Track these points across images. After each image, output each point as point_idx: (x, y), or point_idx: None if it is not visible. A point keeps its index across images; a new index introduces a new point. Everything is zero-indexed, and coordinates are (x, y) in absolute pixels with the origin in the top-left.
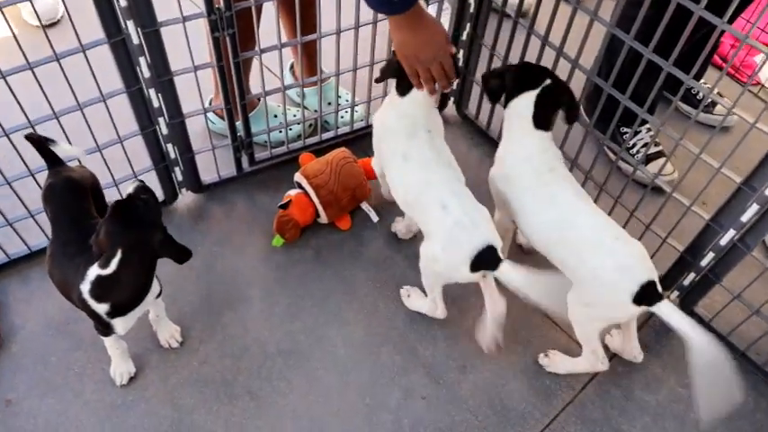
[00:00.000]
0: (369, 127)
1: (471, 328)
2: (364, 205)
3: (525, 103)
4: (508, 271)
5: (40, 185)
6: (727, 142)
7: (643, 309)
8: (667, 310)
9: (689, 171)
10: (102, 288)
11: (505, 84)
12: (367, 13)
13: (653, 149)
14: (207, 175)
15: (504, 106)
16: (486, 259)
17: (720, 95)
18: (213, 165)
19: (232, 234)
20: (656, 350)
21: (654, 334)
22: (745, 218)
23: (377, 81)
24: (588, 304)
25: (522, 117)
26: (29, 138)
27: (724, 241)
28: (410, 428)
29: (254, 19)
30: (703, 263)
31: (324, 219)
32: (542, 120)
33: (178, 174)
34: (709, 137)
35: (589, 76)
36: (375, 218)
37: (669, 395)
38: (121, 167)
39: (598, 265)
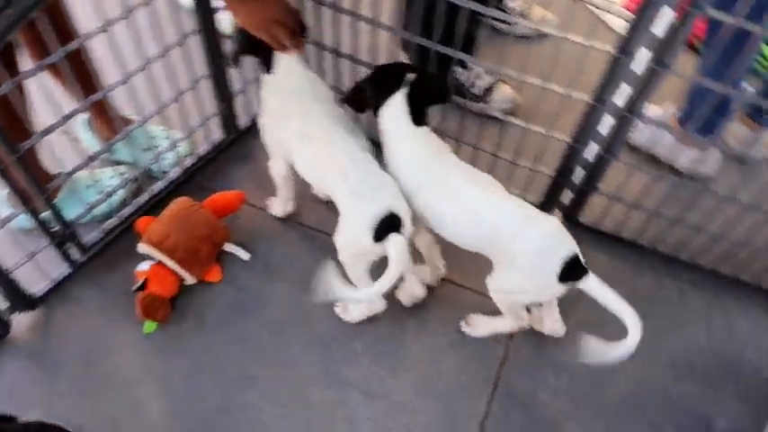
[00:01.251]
0: (200, 161)
1: (386, 328)
2: (228, 247)
3: (396, 106)
4: (402, 245)
5: None
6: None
7: (569, 285)
8: (595, 284)
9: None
10: None
11: (368, 96)
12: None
13: (489, 80)
14: (36, 285)
15: (376, 116)
16: (388, 226)
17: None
18: (38, 272)
19: (94, 338)
20: None
21: None
22: (603, 130)
23: (234, 63)
24: (512, 292)
25: (399, 121)
26: None
27: (590, 155)
28: None
29: (20, 105)
30: (576, 180)
31: (190, 280)
32: (421, 116)
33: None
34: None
35: (397, 35)
36: (245, 255)
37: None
38: None
39: (516, 252)
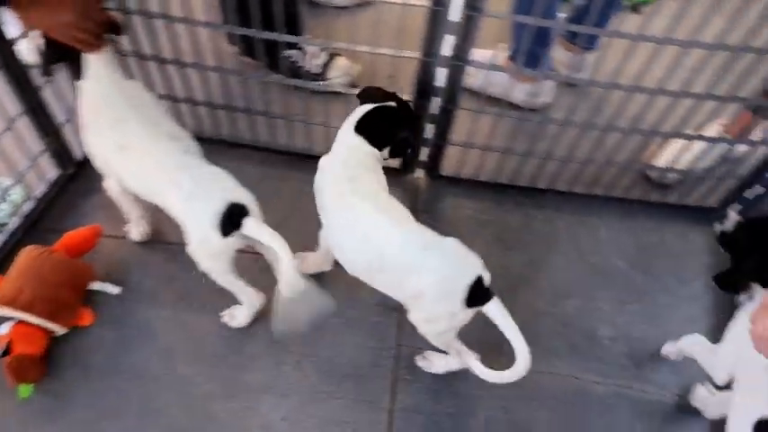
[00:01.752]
0: (41, 203)
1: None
2: (95, 285)
3: (359, 110)
4: (255, 226)
5: None
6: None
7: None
8: (495, 310)
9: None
10: None
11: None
12: None
13: (324, 57)
14: None
15: None
16: (233, 217)
17: None
18: None
19: None
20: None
21: (426, 215)
22: (439, 82)
23: (45, 74)
24: (429, 320)
25: (349, 122)
26: None
27: (434, 109)
28: None
29: None
30: (428, 135)
31: (60, 330)
32: (367, 127)
33: None
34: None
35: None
36: (115, 290)
37: None
38: None
39: (420, 284)
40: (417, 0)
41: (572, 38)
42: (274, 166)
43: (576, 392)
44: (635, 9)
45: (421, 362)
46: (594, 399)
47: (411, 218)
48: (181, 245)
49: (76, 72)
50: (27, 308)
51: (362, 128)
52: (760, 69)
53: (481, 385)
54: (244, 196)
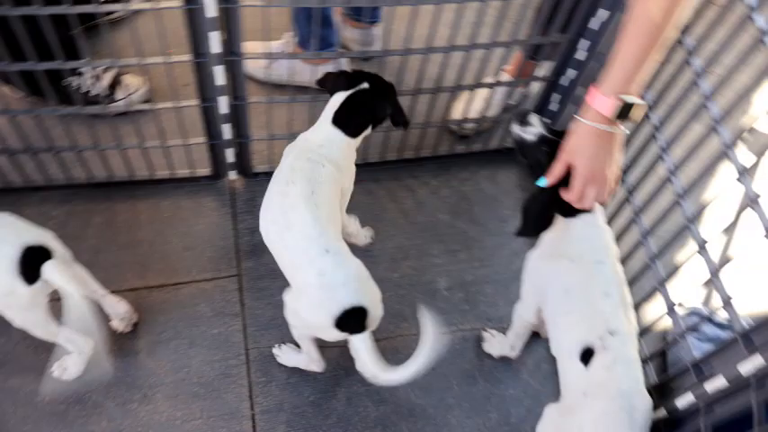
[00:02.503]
0: None
1: (114, 362)
2: None
3: (335, 101)
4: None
5: None
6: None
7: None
8: (358, 345)
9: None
10: None
11: (328, 85)
12: None
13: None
14: None
15: None
16: (34, 261)
17: None
18: None
19: None
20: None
21: (248, 215)
22: (218, 81)
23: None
24: (297, 313)
25: (327, 112)
26: None
27: (223, 109)
28: None
29: None
30: (227, 136)
31: None
32: (343, 119)
33: None
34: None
35: None
36: None
37: None
38: None
39: (307, 280)
40: (167, 2)
41: (354, 15)
42: (78, 202)
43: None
44: None
45: (275, 350)
46: (444, 349)
47: (338, 231)
48: None
49: None
50: None
51: (339, 119)
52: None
53: (336, 365)
54: (40, 237)
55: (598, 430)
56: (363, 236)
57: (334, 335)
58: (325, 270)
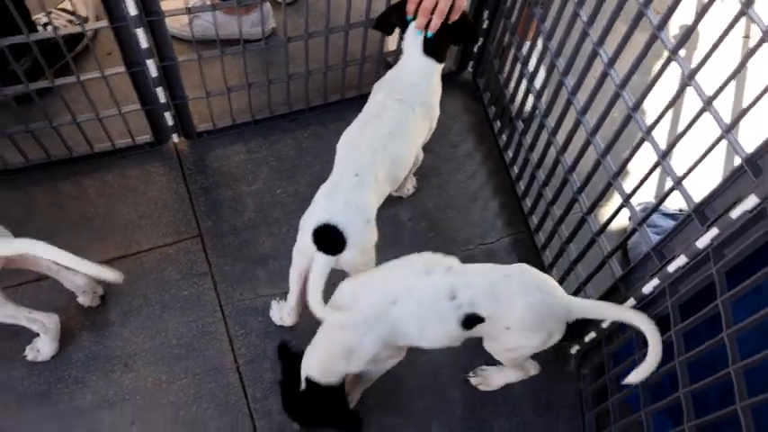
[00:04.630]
0: None
1: (87, 335)
2: None
3: (411, 33)
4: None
5: None
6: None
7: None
8: (314, 266)
9: None
10: None
11: (393, 20)
12: None
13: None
14: None
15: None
16: None
17: None
18: None
19: None
20: (213, 183)
21: (200, 176)
22: (142, 44)
23: None
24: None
25: (410, 46)
26: None
27: (153, 72)
28: None
29: None
30: (163, 99)
31: None
32: (434, 45)
33: None
34: None
35: None
36: None
37: (253, 199)
38: None
39: (323, 190)
40: None
41: None
42: (18, 186)
43: None
44: None
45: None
46: None
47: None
48: None
49: None
50: None
51: (431, 47)
52: None
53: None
54: None
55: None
56: (410, 186)
57: (308, 249)
58: (338, 186)
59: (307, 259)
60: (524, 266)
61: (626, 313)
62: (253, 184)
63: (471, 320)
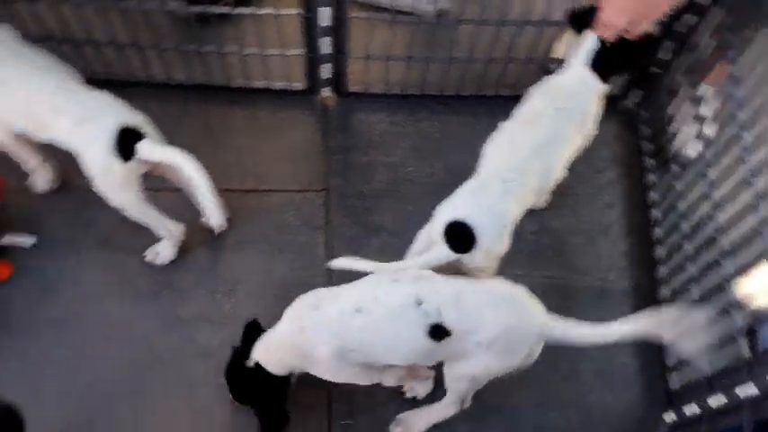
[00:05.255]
0: None
1: (204, 255)
2: (6, 240)
3: (588, 41)
4: (152, 147)
5: None
6: None
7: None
8: (440, 252)
9: None
10: None
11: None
12: None
13: None
14: None
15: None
16: (129, 140)
17: None
18: None
19: None
20: (350, 144)
21: (339, 133)
22: None
23: None
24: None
25: (579, 54)
26: None
27: (324, 21)
28: None
29: None
30: (325, 50)
31: None
32: (603, 62)
33: None
34: None
35: None
36: (29, 240)
37: (386, 170)
38: None
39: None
40: None
41: None
42: (175, 101)
43: None
44: None
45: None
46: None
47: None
48: (89, 188)
49: None
50: None
51: (600, 63)
52: None
53: None
54: (136, 119)
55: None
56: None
57: (435, 237)
58: (485, 188)
59: (427, 247)
60: (503, 282)
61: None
62: (389, 155)
63: (439, 331)
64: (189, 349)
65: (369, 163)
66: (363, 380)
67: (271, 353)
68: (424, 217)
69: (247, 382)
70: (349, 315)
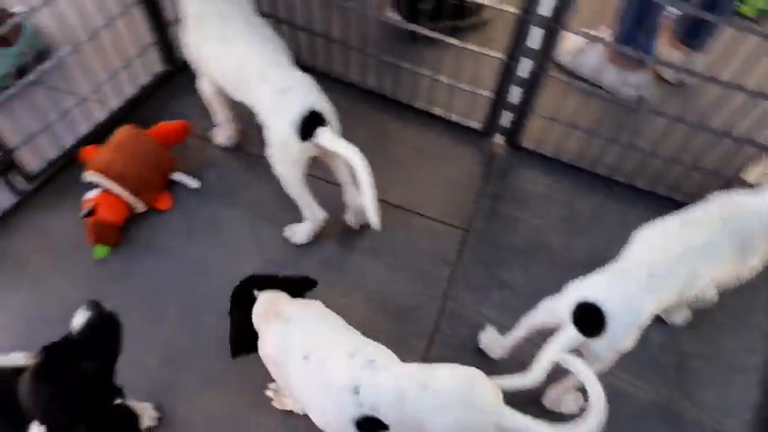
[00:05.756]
0: (143, 91)
1: (334, 249)
2: (177, 176)
3: None
4: (331, 136)
5: None
6: None
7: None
8: (568, 335)
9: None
10: None
11: None
12: None
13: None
14: None
15: None
16: (311, 123)
17: None
18: None
19: (44, 267)
20: (503, 194)
21: (497, 181)
22: (533, 44)
23: None
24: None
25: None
26: None
27: (523, 72)
28: None
29: None
30: (513, 99)
31: (141, 207)
32: None
33: None
34: None
35: None
36: (194, 183)
37: (530, 231)
38: None
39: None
40: None
41: (685, 35)
42: (359, 103)
43: (611, 389)
44: (754, 19)
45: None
46: (629, 402)
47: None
48: (260, 157)
49: None
50: (117, 179)
51: None
52: None
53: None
54: (325, 107)
55: None
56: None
57: (561, 313)
58: (626, 277)
59: (549, 318)
60: (456, 373)
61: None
62: (537, 217)
63: (371, 424)
64: None
65: (515, 218)
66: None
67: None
68: (552, 288)
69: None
70: (297, 353)
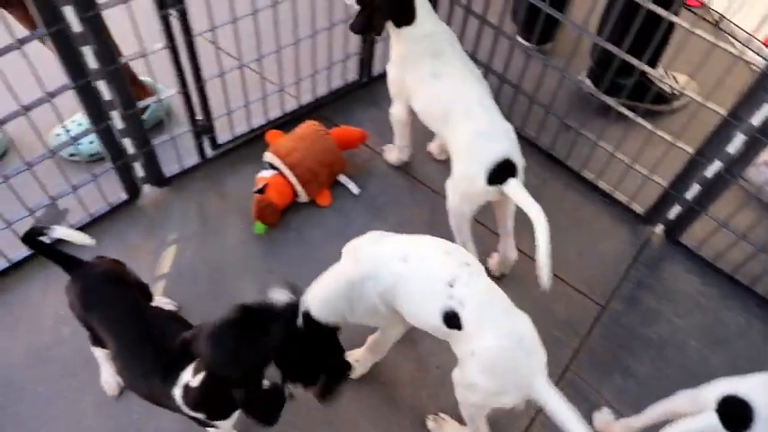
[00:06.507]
0: (332, 95)
1: None
2: (342, 178)
3: None
4: (519, 188)
5: None
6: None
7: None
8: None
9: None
10: (192, 397)
11: None
12: None
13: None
14: (168, 166)
15: None
16: (502, 171)
17: None
18: (173, 155)
19: (208, 225)
20: (649, 284)
21: (645, 269)
22: (731, 149)
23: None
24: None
25: None
26: (26, 240)
27: (710, 173)
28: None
29: None
30: (689, 196)
31: (303, 197)
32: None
33: (138, 169)
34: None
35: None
36: (356, 190)
37: (668, 327)
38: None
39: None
40: (751, 57)
41: None
42: (539, 167)
43: None
44: None
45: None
46: None
47: None
48: (423, 184)
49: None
50: (292, 166)
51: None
52: None
53: None
54: (519, 159)
55: None
56: None
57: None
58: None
59: (689, 406)
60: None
61: None
62: (678, 316)
63: (453, 320)
64: (411, 353)
65: (655, 310)
66: (396, 333)
67: (320, 296)
68: (677, 390)
69: (303, 343)
70: (396, 259)
